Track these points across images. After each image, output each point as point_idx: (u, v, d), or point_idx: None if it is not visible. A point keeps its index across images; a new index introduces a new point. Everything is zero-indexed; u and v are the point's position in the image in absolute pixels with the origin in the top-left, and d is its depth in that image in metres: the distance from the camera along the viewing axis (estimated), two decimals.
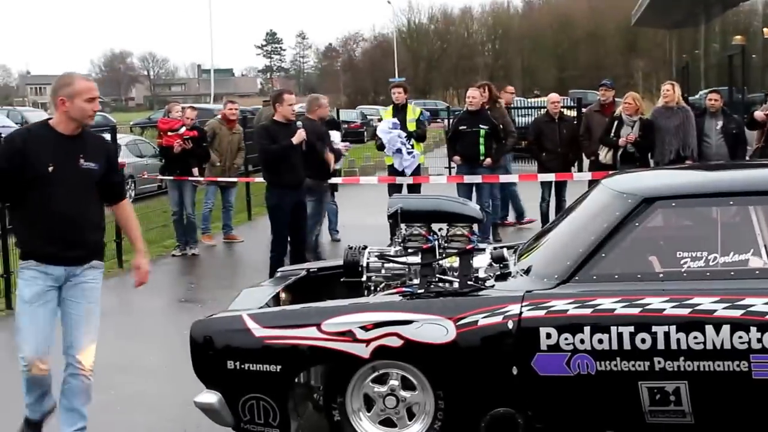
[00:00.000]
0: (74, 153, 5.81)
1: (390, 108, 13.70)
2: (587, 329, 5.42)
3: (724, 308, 5.32)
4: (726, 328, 5.29)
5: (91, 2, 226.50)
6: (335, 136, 12.61)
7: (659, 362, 5.36)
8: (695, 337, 5.32)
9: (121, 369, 8.20)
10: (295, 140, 10.38)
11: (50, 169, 5.72)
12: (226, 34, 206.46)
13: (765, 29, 28.39)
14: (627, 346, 5.38)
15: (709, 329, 5.31)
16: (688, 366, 5.34)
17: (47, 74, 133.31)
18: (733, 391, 5.36)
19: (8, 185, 5.79)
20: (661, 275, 5.62)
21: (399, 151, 12.95)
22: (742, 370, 5.30)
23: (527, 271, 5.95)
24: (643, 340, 5.37)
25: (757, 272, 5.48)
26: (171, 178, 13.99)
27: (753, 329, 5.27)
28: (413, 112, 13.45)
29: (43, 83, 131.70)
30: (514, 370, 5.50)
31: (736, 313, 5.30)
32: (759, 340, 5.26)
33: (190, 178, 13.83)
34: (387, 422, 5.85)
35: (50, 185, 5.74)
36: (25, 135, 5.94)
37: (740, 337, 5.28)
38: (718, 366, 5.31)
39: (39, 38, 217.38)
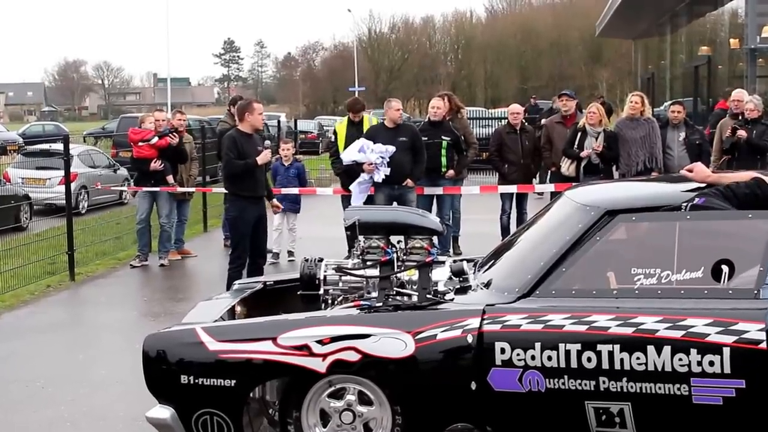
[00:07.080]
0: None
1: (345, 120, 13.23)
2: (538, 345, 5.32)
3: (665, 328, 5.17)
4: (667, 350, 5.15)
5: (45, 11, 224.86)
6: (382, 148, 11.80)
7: (604, 382, 5.24)
8: (638, 358, 5.19)
9: (72, 383, 8.09)
10: (260, 161, 10.30)
11: None
12: (182, 42, 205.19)
13: (731, 40, 28.60)
14: (574, 364, 5.28)
15: (651, 350, 5.17)
16: (631, 387, 5.21)
17: (0, 83, 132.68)
18: (675, 415, 5.21)
19: None
20: (615, 292, 5.46)
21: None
22: (682, 394, 5.15)
23: (488, 285, 5.86)
24: (589, 359, 5.25)
25: (705, 291, 5.31)
26: (146, 189, 13.74)
27: (693, 351, 5.12)
28: (370, 123, 13.02)
29: None
30: (473, 385, 5.40)
31: (677, 334, 5.15)
32: (699, 363, 5.11)
33: (162, 189, 13.64)
34: None
35: None
36: None
37: (680, 360, 5.14)
38: (659, 389, 5.17)
39: None
